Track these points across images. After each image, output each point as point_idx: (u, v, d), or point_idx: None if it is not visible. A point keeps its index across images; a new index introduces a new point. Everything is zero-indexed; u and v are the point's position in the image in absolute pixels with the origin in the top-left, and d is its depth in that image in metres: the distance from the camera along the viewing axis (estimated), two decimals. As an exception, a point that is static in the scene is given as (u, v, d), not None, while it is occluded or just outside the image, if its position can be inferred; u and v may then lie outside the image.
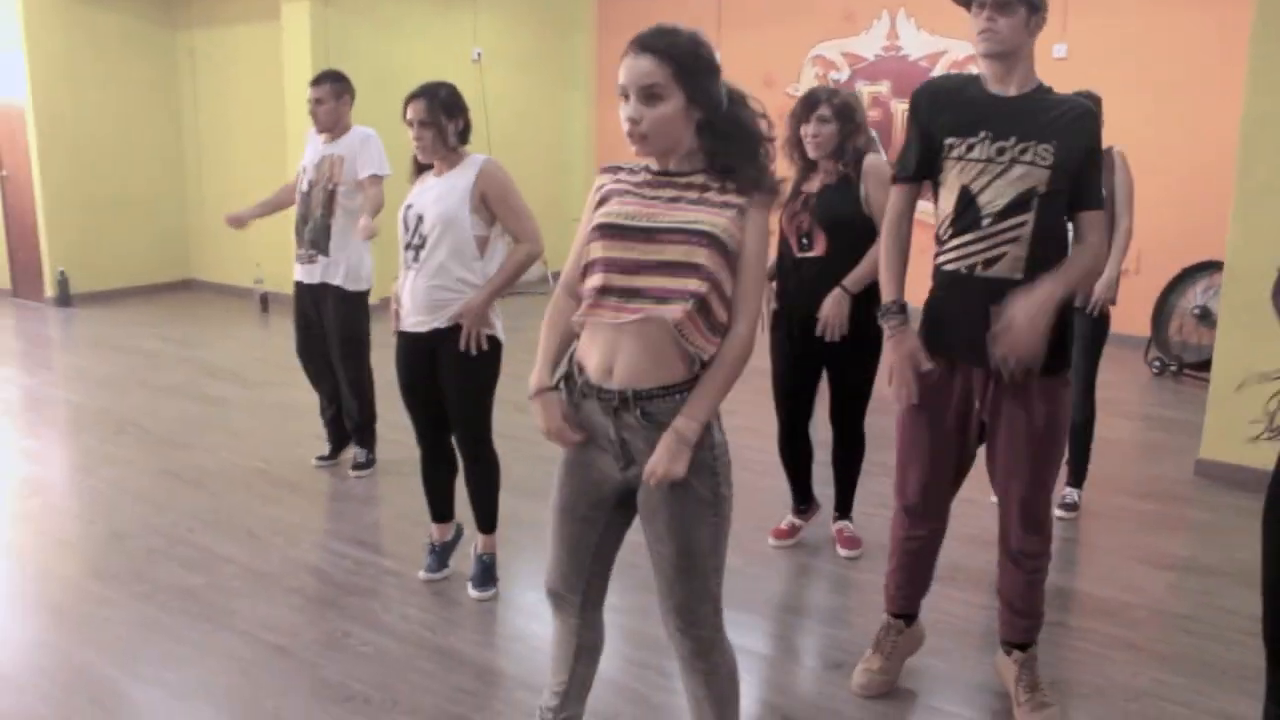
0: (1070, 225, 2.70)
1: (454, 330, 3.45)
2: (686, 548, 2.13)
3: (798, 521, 4.13)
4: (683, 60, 2.02)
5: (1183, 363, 6.89)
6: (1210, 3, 7.29)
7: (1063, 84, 2.78)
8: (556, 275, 2.47)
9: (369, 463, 4.91)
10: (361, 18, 8.57)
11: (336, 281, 4.70)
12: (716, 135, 2.08)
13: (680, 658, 2.25)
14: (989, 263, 2.63)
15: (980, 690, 3.04)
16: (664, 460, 2.05)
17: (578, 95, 10.77)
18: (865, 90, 9.03)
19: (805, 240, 3.72)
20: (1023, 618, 2.90)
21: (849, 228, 3.65)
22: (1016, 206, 2.59)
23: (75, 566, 3.90)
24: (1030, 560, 2.83)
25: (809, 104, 3.66)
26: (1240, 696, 2.98)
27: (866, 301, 3.56)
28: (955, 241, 2.69)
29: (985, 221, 2.62)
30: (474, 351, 3.45)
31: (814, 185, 3.74)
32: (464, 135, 3.53)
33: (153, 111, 9.76)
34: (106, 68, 9.32)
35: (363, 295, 4.79)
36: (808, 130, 3.65)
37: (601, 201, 2.17)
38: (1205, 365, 6.13)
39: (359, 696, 2.99)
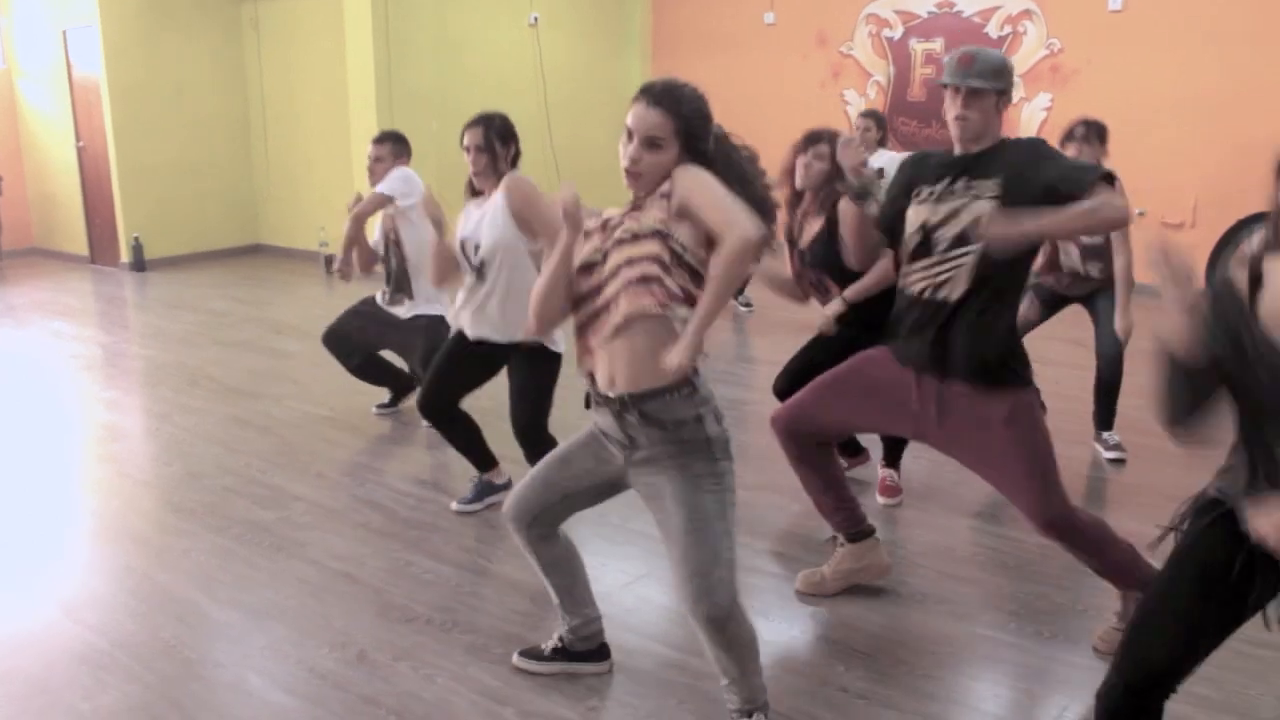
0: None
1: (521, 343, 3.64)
2: (693, 512, 2.29)
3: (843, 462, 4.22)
4: (689, 118, 2.26)
5: (1240, 316, 6.83)
6: (1273, -50, 7.16)
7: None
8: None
9: None
10: (420, -15, 8.72)
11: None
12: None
13: (702, 632, 2.34)
14: (936, 288, 2.80)
15: (1016, 616, 3.15)
16: (676, 353, 2.14)
17: (633, 59, 10.82)
18: (919, 48, 9.00)
19: (823, 294, 3.80)
20: (1102, 576, 2.93)
21: (847, 272, 3.72)
22: (961, 239, 2.74)
23: (155, 503, 4.14)
24: (1062, 543, 2.86)
25: (811, 139, 3.77)
26: None
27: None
28: (910, 266, 2.88)
29: (937, 249, 2.80)
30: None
31: (805, 238, 3.83)
32: (514, 161, 3.68)
33: (220, 83, 10.04)
34: (176, 41, 9.60)
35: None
36: (801, 160, 3.76)
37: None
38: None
39: (420, 618, 3.18)
